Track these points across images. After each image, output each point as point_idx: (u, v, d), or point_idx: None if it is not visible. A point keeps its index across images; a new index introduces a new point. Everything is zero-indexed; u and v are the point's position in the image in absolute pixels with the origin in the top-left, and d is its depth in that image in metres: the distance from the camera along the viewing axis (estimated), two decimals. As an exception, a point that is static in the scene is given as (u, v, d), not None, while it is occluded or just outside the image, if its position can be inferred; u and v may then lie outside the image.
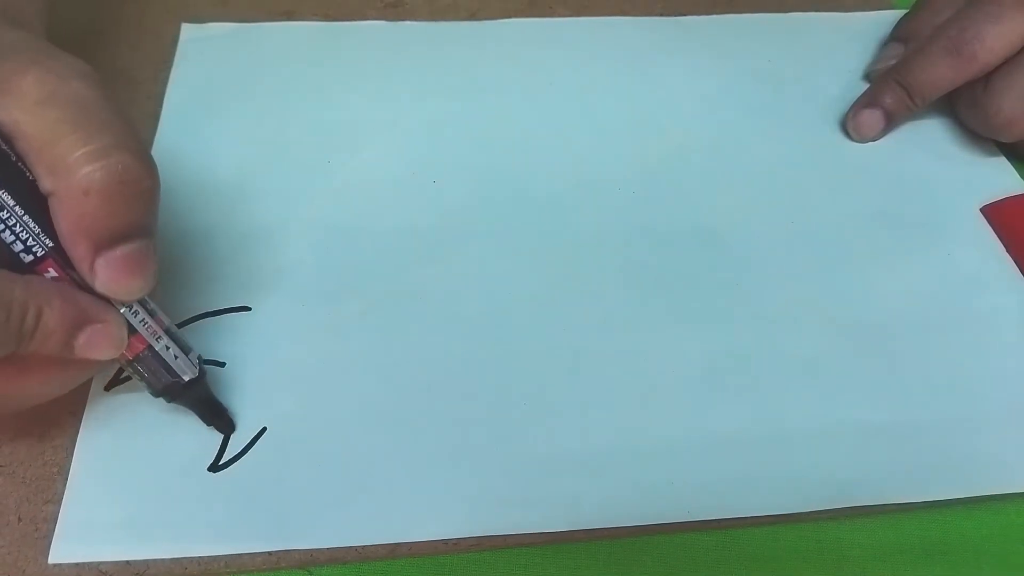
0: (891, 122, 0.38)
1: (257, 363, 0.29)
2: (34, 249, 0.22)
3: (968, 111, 0.37)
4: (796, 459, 0.28)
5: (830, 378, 0.30)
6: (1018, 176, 0.37)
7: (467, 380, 0.30)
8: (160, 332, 0.25)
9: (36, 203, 0.21)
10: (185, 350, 0.26)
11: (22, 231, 0.22)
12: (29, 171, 0.21)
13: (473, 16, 0.43)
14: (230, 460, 0.27)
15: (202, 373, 0.26)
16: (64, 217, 0.21)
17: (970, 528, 0.28)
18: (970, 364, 0.31)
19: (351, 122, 0.37)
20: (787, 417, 0.29)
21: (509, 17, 0.43)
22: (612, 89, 0.40)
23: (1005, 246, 0.34)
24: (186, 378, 0.26)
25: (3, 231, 0.21)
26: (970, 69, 0.35)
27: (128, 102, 0.37)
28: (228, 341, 0.30)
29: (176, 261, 0.32)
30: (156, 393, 0.26)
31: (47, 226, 0.22)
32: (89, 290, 0.23)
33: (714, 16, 0.44)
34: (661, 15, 0.44)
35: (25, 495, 0.26)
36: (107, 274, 0.22)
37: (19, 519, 0.26)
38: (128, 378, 0.29)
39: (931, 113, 0.39)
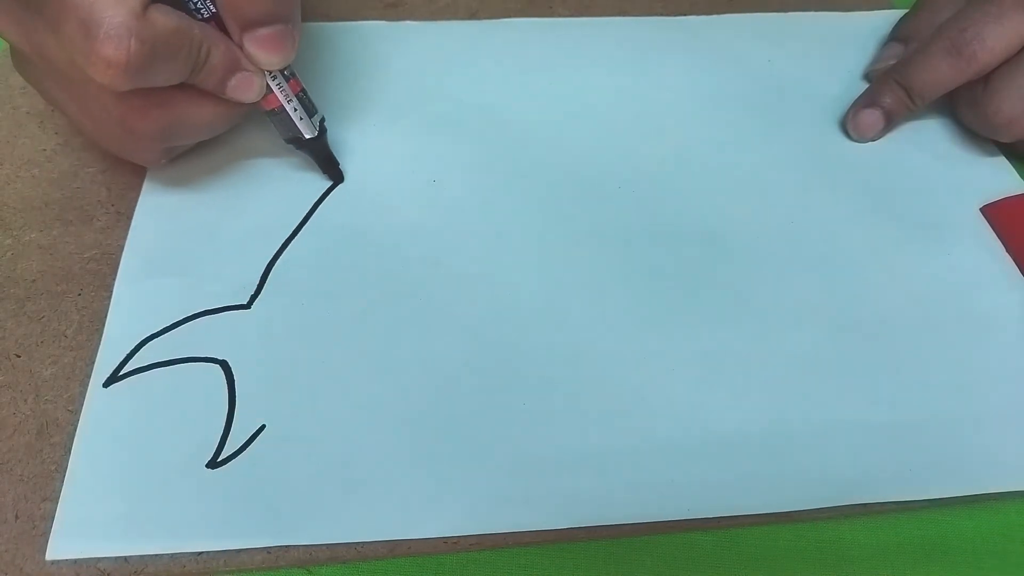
0: (891, 122, 0.38)
1: (256, 361, 0.29)
2: (201, 11, 0.29)
3: (968, 111, 0.37)
4: (796, 458, 0.28)
5: (830, 378, 0.30)
6: (1018, 176, 0.37)
7: (467, 378, 0.30)
8: (292, 96, 0.32)
9: None
10: (310, 113, 0.33)
11: None
12: None
13: (473, 16, 0.43)
14: (229, 457, 0.27)
15: (322, 132, 0.33)
16: None
17: (970, 528, 0.28)
18: (970, 364, 0.31)
19: (350, 122, 0.37)
20: (787, 416, 0.29)
21: (509, 17, 0.43)
22: (612, 89, 0.40)
23: (1005, 246, 0.34)
24: (307, 136, 0.33)
25: None
26: (970, 69, 0.35)
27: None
28: (227, 339, 0.30)
29: (175, 258, 0.32)
30: (286, 141, 0.33)
31: None
32: None
33: (714, 16, 0.44)
34: (661, 15, 0.44)
35: (23, 493, 0.26)
36: (251, 48, 0.30)
37: (16, 516, 0.26)
38: (127, 375, 0.29)
39: (931, 113, 0.39)
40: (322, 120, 0.34)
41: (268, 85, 0.31)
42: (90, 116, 0.30)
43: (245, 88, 0.30)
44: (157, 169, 0.35)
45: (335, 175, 0.35)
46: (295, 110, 0.32)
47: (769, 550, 0.27)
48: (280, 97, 0.32)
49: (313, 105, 0.33)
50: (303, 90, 0.33)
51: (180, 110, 0.30)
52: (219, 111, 0.31)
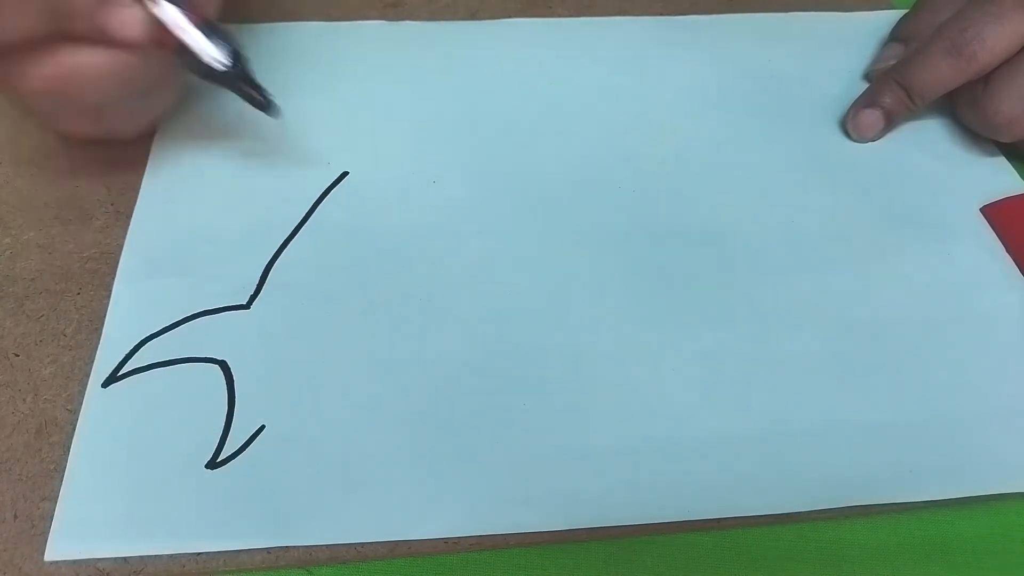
0: (891, 122, 0.38)
1: (256, 361, 0.29)
2: None
3: (968, 111, 0.37)
4: (796, 459, 0.28)
5: (830, 378, 0.30)
6: (1018, 176, 0.37)
7: (467, 378, 0.29)
8: (189, 26, 0.29)
9: None
10: (220, 43, 0.30)
11: None
12: None
13: (473, 16, 0.43)
14: (228, 457, 0.27)
15: (238, 61, 0.30)
16: None
17: (970, 528, 0.28)
18: (970, 364, 0.31)
19: (351, 122, 0.37)
20: (787, 417, 0.29)
21: (509, 17, 0.43)
22: (612, 89, 0.40)
23: (1005, 246, 0.34)
24: (217, 68, 0.30)
25: None
26: (970, 69, 0.35)
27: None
28: (227, 339, 0.30)
29: (174, 258, 0.32)
30: (201, 77, 0.30)
31: None
32: None
33: (714, 16, 0.44)
34: (661, 15, 0.44)
35: (21, 492, 0.26)
36: None
37: (15, 516, 0.26)
38: (126, 375, 0.29)
39: (931, 113, 0.39)
40: (237, 49, 0.30)
41: (160, 19, 0.28)
42: None
43: (125, 24, 0.27)
44: (156, 168, 0.35)
45: (263, 105, 0.32)
46: (194, 41, 0.29)
47: (769, 551, 0.27)
48: (173, 29, 0.28)
49: (225, 33, 0.30)
50: (207, 20, 0.29)
51: (63, 63, 0.27)
52: (115, 59, 0.28)
